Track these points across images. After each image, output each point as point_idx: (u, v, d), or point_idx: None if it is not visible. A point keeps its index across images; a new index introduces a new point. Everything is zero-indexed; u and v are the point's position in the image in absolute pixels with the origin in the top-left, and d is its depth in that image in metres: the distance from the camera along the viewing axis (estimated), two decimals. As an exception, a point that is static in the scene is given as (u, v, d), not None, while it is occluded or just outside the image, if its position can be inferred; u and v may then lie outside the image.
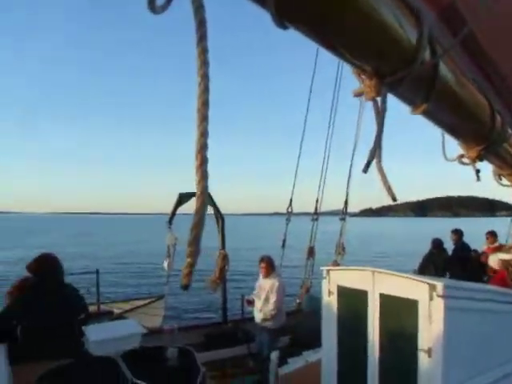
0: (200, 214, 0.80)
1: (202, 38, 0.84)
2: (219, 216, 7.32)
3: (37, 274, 3.97)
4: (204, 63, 0.83)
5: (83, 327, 3.89)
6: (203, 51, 0.84)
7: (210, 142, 0.80)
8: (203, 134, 0.81)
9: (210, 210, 7.01)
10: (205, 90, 0.82)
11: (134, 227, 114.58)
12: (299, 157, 8.80)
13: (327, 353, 4.50)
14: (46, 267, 3.99)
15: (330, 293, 4.45)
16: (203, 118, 0.81)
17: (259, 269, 6.83)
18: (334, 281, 4.44)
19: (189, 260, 0.80)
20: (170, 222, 7.01)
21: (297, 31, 1.27)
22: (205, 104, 0.82)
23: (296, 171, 8.71)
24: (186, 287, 0.83)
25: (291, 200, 8.60)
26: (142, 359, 3.46)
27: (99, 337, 3.69)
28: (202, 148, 0.81)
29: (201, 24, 0.84)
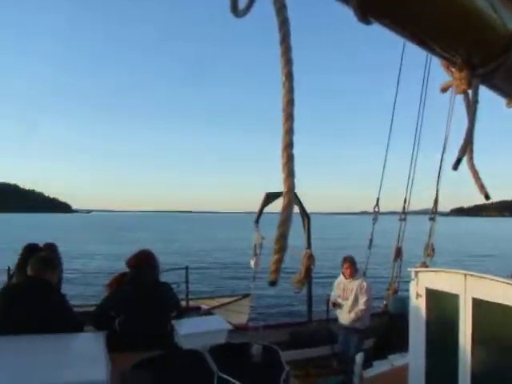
0: (287, 211, 0.81)
1: (285, 36, 0.84)
2: (305, 215, 7.32)
3: (134, 269, 4.20)
4: (288, 62, 0.84)
5: (174, 321, 4.07)
6: (287, 50, 0.84)
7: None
8: (288, 132, 0.82)
9: (295, 208, 7.04)
10: (289, 90, 0.83)
11: (222, 225, 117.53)
12: (386, 155, 8.61)
13: (414, 358, 4.33)
14: (143, 263, 4.20)
15: (418, 295, 4.29)
16: (288, 117, 0.82)
17: (342, 269, 6.76)
18: (422, 283, 4.26)
19: (276, 256, 0.81)
20: (257, 221, 7.12)
21: (382, 26, 1.23)
22: (290, 103, 0.82)
23: (383, 170, 8.54)
24: (273, 283, 0.84)
25: (378, 199, 8.43)
26: (228, 354, 3.53)
27: (188, 331, 3.83)
28: (288, 146, 0.82)
29: (283, 23, 0.85)
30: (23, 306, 3.54)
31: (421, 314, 4.24)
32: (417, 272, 4.35)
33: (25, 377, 2.51)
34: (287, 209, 0.81)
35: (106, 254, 33.81)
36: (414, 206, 8.87)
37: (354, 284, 6.55)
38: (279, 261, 0.82)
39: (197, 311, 7.55)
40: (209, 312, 7.58)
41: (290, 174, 0.81)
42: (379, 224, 8.40)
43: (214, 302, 8.88)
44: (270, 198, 7.01)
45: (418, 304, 4.27)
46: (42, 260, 3.89)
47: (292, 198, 0.81)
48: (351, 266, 6.63)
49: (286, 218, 0.80)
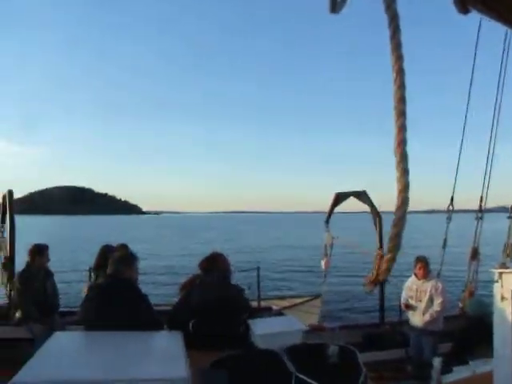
0: (401, 210, 0.79)
1: (395, 32, 0.83)
2: (376, 214, 7.16)
3: (206, 271, 4.28)
4: (399, 58, 0.82)
5: (249, 321, 4.10)
6: (397, 46, 0.82)
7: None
8: (401, 130, 0.80)
9: (366, 208, 6.92)
10: (401, 86, 0.81)
11: (290, 225, 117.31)
12: (461, 147, 8.20)
13: (500, 366, 4.07)
14: (214, 266, 4.27)
15: (502, 298, 4.05)
16: (400, 114, 0.80)
17: (414, 270, 6.55)
18: (507, 285, 4.02)
19: (390, 255, 0.80)
20: (327, 221, 7.05)
21: (480, 13, 1.19)
22: (401, 100, 0.81)
23: (457, 167, 8.16)
24: (382, 282, 0.83)
25: (452, 197, 8.08)
26: (304, 355, 3.53)
27: (264, 331, 3.86)
28: (401, 143, 0.80)
29: (393, 19, 0.83)
30: (109, 305, 3.71)
31: (506, 317, 4.00)
32: (501, 273, 4.12)
33: (111, 371, 2.62)
34: (402, 207, 0.79)
35: (177, 254, 34.78)
36: (488, 202, 8.44)
37: (428, 285, 6.34)
38: (392, 260, 0.81)
39: (268, 312, 7.59)
40: (280, 312, 7.59)
41: (404, 172, 0.79)
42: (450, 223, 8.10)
43: (285, 303, 8.85)
44: (341, 198, 6.92)
45: (504, 307, 4.03)
46: (118, 259, 4.06)
47: (407, 196, 0.80)
48: (424, 267, 6.42)
49: (400, 216, 0.79)
